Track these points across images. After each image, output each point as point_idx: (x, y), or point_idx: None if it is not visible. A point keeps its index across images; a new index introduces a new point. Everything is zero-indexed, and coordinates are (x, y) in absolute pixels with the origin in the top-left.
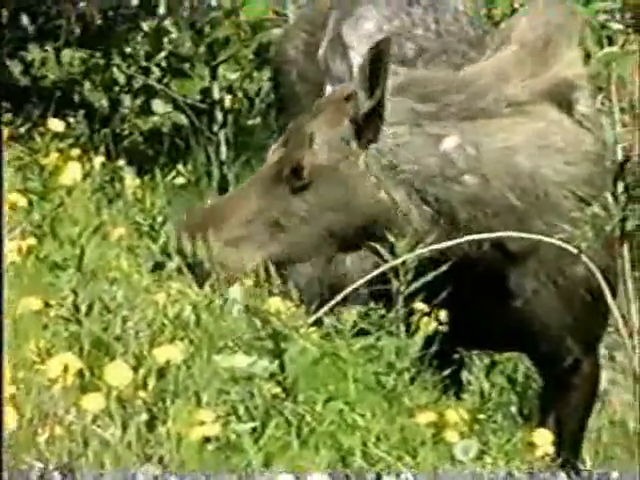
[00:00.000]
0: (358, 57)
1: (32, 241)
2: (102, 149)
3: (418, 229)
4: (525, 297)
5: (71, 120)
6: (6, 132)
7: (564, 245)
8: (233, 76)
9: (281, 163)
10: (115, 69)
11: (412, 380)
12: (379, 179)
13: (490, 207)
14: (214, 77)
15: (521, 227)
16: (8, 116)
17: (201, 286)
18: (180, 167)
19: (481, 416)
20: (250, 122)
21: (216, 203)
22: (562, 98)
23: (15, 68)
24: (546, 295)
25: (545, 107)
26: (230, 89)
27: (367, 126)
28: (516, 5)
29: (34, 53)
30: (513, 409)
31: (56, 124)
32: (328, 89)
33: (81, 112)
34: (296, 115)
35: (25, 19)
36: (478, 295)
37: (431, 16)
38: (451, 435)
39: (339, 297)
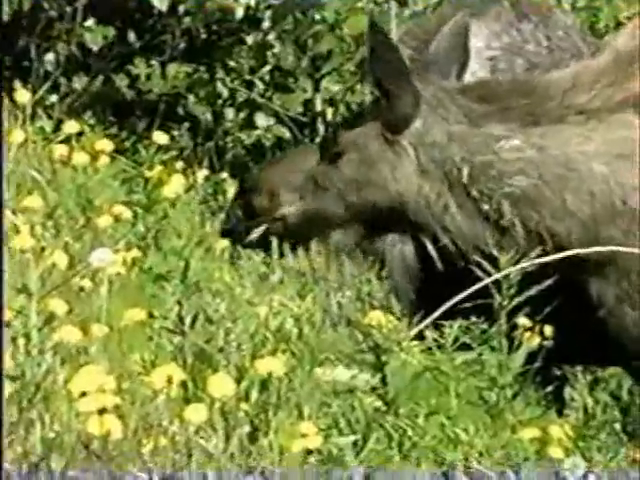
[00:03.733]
0: (467, 74)
1: (136, 253)
2: (205, 162)
3: (460, 223)
4: (608, 307)
5: (175, 133)
6: (112, 145)
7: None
8: (335, 88)
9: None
10: (219, 83)
11: (515, 395)
12: (424, 170)
13: (546, 209)
14: (317, 90)
15: (589, 234)
16: (114, 129)
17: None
18: None
19: (585, 433)
20: None
21: (285, 155)
22: None
23: (121, 82)
24: (631, 305)
25: (627, 116)
26: (332, 102)
27: (395, 113)
28: (621, 18)
29: (140, 67)
30: (617, 426)
31: (160, 137)
32: None
33: (185, 125)
34: None
35: (132, 35)
36: (564, 307)
37: (542, 32)
38: (555, 451)
39: (440, 310)
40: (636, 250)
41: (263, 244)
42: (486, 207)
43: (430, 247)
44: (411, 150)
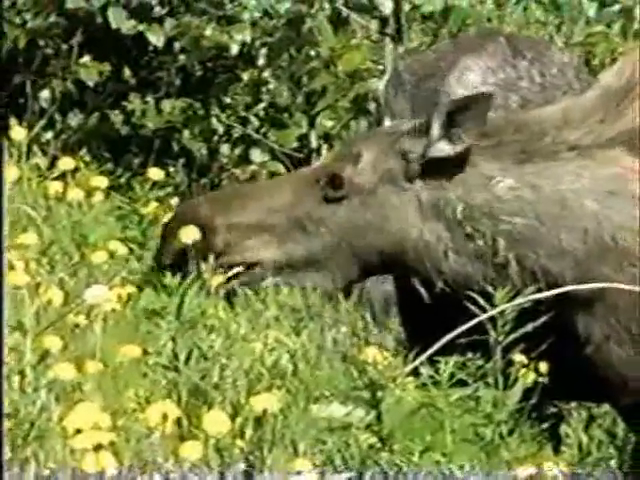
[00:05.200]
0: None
1: (131, 289)
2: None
3: (456, 265)
4: (595, 344)
5: (170, 169)
6: (107, 181)
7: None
8: (330, 124)
9: (322, 169)
10: (214, 119)
11: (510, 432)
12: (423, 213)
13: (543, 249)
14: (312, 126)
15: (581, 271)
16: (109, 165)
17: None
18: None
19: (580, 470)
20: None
21: (247, 185)
22: (637, 146)
23: (116, 118)
24: (617, 343)
25: (617, 153)
26: (327, 137)
27: (422, 167)
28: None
29: (135, 103)
30: (612, 463)
31: (156, 173)
32: (386, 123)
33: (180, 161)
34: None
35: (127, 71)
36: (558, 344)
37: (537, 69)
38: None
39: (436, 346)
40: (627, 286)
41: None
42: (483, 246)
43: (419, 287)
44: (415, 194)
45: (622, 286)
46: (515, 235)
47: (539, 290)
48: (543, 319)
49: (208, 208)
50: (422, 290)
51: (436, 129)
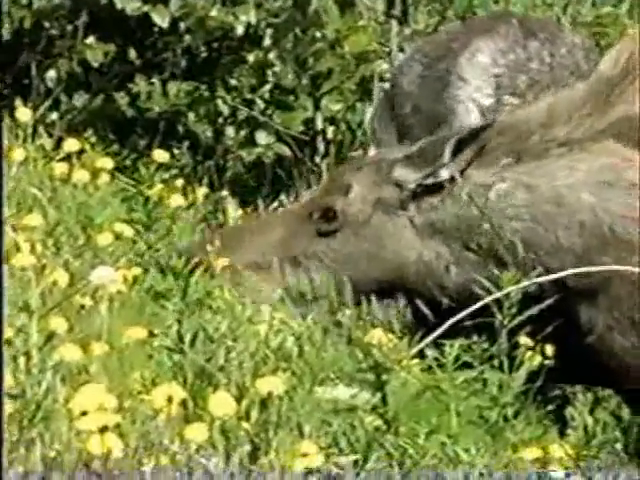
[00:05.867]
0: (471, 89)
1: (137, 271)
2: (206, 180)
3: (458, 278)
4: (598, 334)
5: (176, 151)
6: (112, 163)
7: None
8: (336, 106)
9: (313, 204)
10: (219, 101)
11: (516, 415)
12: (419, 234)
13: (542, 248)
14: (317, 108)
15: (582, 264)
16: (114, 147)
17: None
18: (283, 198)
19: (586, 453)
20: (352, 153)
21: (241, 226)
22: (632, 135)
23: (122, 100)
24: (621, 333)
25: (609, 144)
26: (333, 120)
27: (414, 192)
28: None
29: (141, 85)
30: (618, 446)
31: (161, 155)
32: (372, 151)
33: (185, 143)
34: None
35: (133, 53)
36: (564, 328)
37: (547, 50)
38: (556, 473)
39: (441, 329)
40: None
41: None
42: (482, 254)
43: (423, 308)
44: (409, 218)
45: (626, 268)
46: (513, 239)
47: (545, 271)
48: (548, 302)
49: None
50: (426, 311)
51: (446, 158)
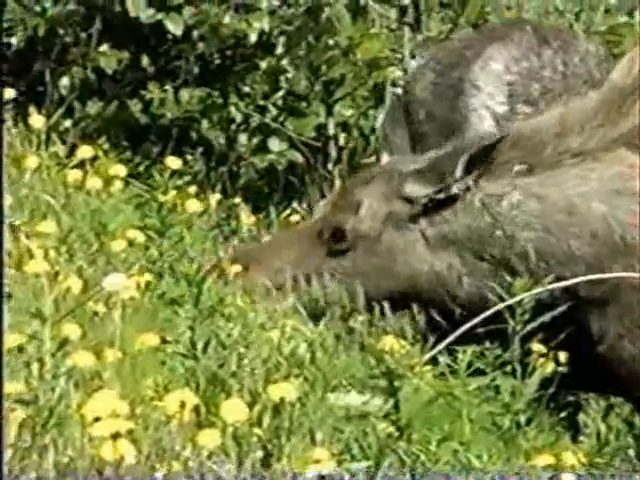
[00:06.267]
0: (484, 97)
1: (150, 277)
2: (219, 187)
3: (470, 287)
4: (608, 344)
5: (189, 158)
6: (125, 170)
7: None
8: (348, 113)
9: (324, 222)
10: (232, 108)
11: (528, 421)
12: (430, 247)
13: (554, 257)
14: (330, 114)
15: (593, 273)
16: (128, 154)
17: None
18: (295, 205)
19: (599, 460)
20: (364, 160)
21: (252, 246)
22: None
23: (135, 107)
24: (631, 341)
25: (621, 153)
26: (345, 126)
27: (425, 206)
28: None
29: (154, 92)
30: (631, 452)
31: (174, 162)
32: (385, 158)
33: (199, 150)
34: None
35: (146, 60)
36: (572, 334)
37: (560, 58)
38: (568, 478)
39: (454, 335)
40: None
41: None
42: (494, 263)
43: (437, 317)
44: (421, 232)
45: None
46: (526, 247)
47: (557, 280)
48: (560, 309)
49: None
50: (440, 320)
51: (458, 173)
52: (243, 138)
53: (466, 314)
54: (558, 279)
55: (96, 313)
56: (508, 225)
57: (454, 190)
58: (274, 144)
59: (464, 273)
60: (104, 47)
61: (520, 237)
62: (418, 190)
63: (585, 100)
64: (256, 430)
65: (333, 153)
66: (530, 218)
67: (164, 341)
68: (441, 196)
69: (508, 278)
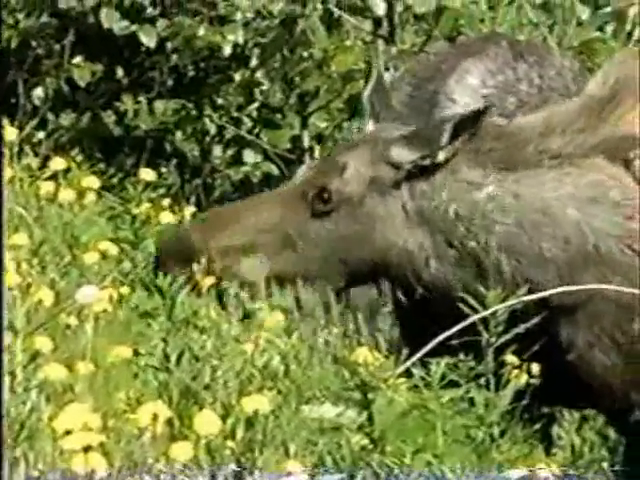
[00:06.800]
0: (459, 110)
1: (123, 290)
2: (193, 199)
3: (437, 272)
4: (578, 352)
5: (163, 170)
6: (98, 182)
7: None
8: (323, 125)
9: (308, 184)
10: (207, 120)
11: (502, 434)
12: (408, 221)
13: (524, 256)
14: (304, 126)
15: (564, 279)
16: (101, 166)
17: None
18: None
19: (572, 472)
20: None
21: (233, 206)
22: (618, 154)
23: (109, 119)
24: (601, 350)
25: (598, 161)
26: (320, 138)
27: (408, 174)
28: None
29: (128, 104)
30: (605, 465)
31: (148, 174)
32: (370, 126)
33: (173, 162)
34: None
35: (120, 71)
36: (545, 346)
37: (536, 72)
38: None
39: (428, 347)
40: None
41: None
42: (464, 253)
43: (399, 294)
44: (402, 202)
45: (611, 287)
46: (496, 242)
47: (530, 292)
48: (534, 321)
49: (200, 234)
50: (402, 297)
51: (444, 140)
52: (217, 150)
53: (429, 296)
54: (527, 281)
55: (68, 326)
56: (481, 216)
57: (440, 157)
58: (249, 156)
59: (433, 256)
60: (77, 59)
61: (492, 230)
62: (404, 155)
63: (569, 104)
64: (229, 443)
65: None
66: (504, 212)
67: (137, 354)
68: (427, 162)
69: (481, 289)
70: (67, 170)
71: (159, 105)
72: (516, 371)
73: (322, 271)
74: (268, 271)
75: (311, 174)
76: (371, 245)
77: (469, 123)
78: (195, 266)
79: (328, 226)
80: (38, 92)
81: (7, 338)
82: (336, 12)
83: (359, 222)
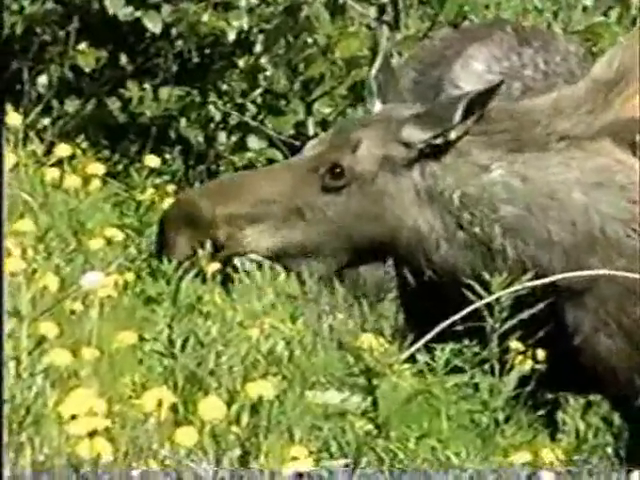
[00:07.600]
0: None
1: (128, 276)
2: (197, 185)
3: (446, 254)
4: (583, 336)
5: (167, 156)
6: (103, 168)
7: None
8: (327, 111)
9: (320, 158)
10: (211, 106)
11: (506, 419)
12: (419, 201)
13: (532, 239)
14: (309, 113)
15: (570, 262)
16: (106, 152)
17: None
18: None
19: (577, 457)
20: None
21: (244, 175)
22: (625, 137)
23: (113, 105)
24: (607, 334)
25: (605, 144)
26: (324, 124)
27: (420, 154)
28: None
29: (132, 91)
30: (609, 450)
31: (152, 160)
32: (377, 107)
33: (177, 149)
34: None
35: (124, 58)
36: (554, 332)
37: (541, 57)
38: (547, 476)
39: (432, 333)
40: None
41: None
42: (473, 235)
43: (408, 274)
44: (413, 182)
45: (615, 273)
46: (504, 224)
47: (535, 277)
48: (538, 307)
49: (208, 200)
50: (410, 277)
51: (457, 119)
52: (222, 136)
53: (437, 280)
54: (534, 265)
55: (73, 311)
56: (490, 197)
57: (452, 135)
58: (253, 142)
59: (443, 237)
60: (82, 45)
61: (501, 211)
62: (417, 134)
63: (575, 87)
64: (234, 428)
65: None
66: (513, 194)
67: (142, 339)
68: (439, 141)
69: (487, 275)
70: (72, 157)
71: (164, 92)
72: (520, 357)
73: (328, 245)
74: (273, 242)
75: (323, 149)
76: (381, 223)
77: (482, 100)
78: (200, 251)
79: (338, 201)
80: (43, 79)
81: (12, 324)
82: None
83: (370, 200)
